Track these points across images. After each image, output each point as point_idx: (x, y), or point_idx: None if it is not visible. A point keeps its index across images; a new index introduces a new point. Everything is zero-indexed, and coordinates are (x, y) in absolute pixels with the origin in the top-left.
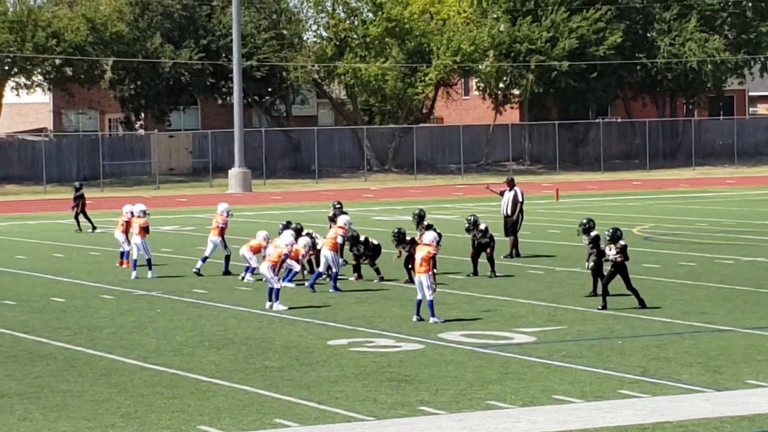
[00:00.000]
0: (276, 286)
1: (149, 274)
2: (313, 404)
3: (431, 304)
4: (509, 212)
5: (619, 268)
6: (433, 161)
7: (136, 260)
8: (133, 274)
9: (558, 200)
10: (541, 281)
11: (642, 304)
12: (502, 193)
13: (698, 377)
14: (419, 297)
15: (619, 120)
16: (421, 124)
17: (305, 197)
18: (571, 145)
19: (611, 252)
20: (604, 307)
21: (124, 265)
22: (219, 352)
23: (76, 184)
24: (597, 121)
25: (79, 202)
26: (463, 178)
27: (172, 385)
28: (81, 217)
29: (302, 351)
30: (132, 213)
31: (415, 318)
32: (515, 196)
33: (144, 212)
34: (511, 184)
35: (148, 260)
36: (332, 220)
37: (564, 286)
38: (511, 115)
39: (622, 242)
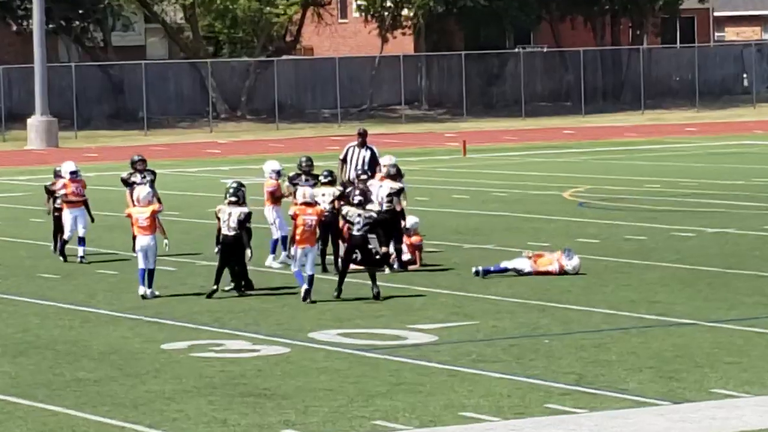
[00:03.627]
0: (151, 266)
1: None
2: (142, 428)
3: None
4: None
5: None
6: (301, 105)
7: None
8: None
9: (465, 156)
10: (443, 262)
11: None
12: (344, 159)
13: (649, 385)
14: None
15: (546, 49)
16: (285, 57)
17: (130, 154)
18: (483, 82)
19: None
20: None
21: None
22: (16, 361)
23: None
24: (516, 50)
25: None
26: (341, 128)
27: None
28: None
29: (127, 358)
30: None
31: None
32: (372, 157)
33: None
34: (363, 137)
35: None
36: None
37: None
38: (402, 44)
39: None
